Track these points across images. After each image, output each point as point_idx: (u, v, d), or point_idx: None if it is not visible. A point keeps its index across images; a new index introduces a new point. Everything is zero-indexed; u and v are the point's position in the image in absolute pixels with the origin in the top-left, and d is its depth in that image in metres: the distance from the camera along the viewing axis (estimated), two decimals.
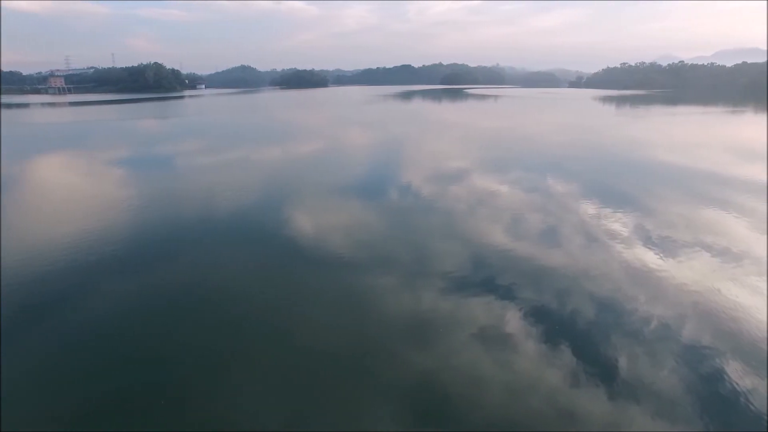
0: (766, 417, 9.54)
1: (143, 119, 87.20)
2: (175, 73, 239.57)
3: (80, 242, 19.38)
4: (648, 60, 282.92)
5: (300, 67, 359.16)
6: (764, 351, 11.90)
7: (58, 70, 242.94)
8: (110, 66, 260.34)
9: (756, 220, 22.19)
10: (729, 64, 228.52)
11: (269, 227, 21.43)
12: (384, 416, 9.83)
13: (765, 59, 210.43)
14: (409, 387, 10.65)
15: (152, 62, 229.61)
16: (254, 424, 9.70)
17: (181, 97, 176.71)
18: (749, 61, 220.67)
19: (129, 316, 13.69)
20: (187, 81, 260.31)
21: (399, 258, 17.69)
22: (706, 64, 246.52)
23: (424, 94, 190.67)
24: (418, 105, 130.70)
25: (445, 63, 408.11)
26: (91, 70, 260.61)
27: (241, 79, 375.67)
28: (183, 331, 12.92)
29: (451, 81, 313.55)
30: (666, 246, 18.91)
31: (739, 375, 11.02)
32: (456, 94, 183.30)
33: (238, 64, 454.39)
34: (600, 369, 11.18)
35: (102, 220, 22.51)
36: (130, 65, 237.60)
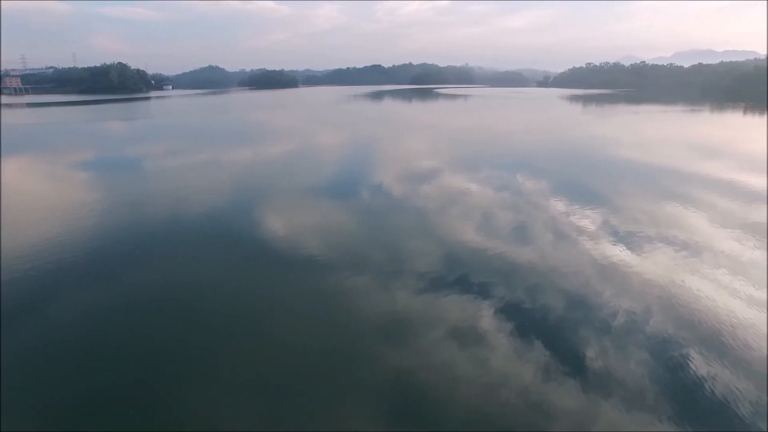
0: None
1: (108, 121, 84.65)
2: (140, 74, 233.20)
3: (44, 249, 18.68)
4: (612, 60, 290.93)
5: (269, 68, 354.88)
6: (722, 338, 12.39)
7: (13, 69, 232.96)
8: (71, 66, 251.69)
9: (714, 214, 23.09)
10: (686, 64, 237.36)
11: (241, 230, 21.13)
12: (361, 416, 9.84)
13: (718, 61, 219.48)
14: (385, 386, 10.68)
15: (116, 62, 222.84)
16: (231, 424, 9.60)
17: (147, 98, 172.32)
18: (704, 62, 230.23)
19: (98, 323, 13.29)
20: (153, 82, 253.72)
21: (373, 258, 17.71)
22: (665, 64, 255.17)
23: (395, 94, 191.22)
24: (388, 105, 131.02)
25: (415, 63, 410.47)
26: (51, 70, 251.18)
27: (209, 80, 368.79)
28: (156, 336, 12.62)
29: (421, 81, 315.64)
30: (631, 241, 19.49)
31: (700, 362, 11.45)
32: (426, 94, 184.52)
33: (205, 65, 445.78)
34: (571, 363, 11.43)
35: (67, 226, 21.77)
36: (93, 65, 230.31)
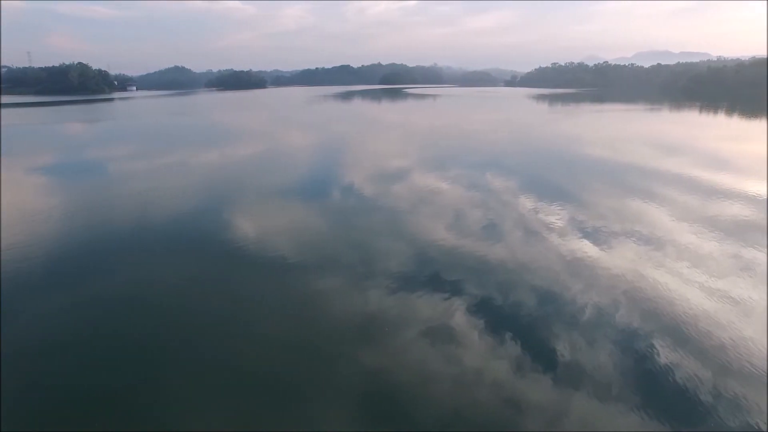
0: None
1: (69, 123, 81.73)
2: (102, 74, 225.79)
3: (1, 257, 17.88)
4: (576, 60, 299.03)
5: (237, 68, 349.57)
6: (684, 328, 12.86)
7: None
8: (26, 66, 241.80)
9: (675, 209, 23.95)
10: (646, 64, 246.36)
11: (209, 233, 20.73)
12: (336, 415, 9.80)
13: (675, 62, 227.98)
14: (359, 387, 10.67)
15: (76, 62, 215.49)
16: (206, 424, 9.49)
17: (110, 99, 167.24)
18: (662, 63, 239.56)
19: (58, 334, 12.80)
20: (116, 82, 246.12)
21: (343, 259, 17.65)
22: (627, 64, 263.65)
23: (364, 94, 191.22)
24: (358, 105, 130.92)
25: (383, 63, 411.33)
26: (4, 69, 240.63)
27: (175, 81, 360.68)
28: (128, 339, 12.27)
29: (390, 81, 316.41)
30: (598, 236, 20.03)
31: (665, 352, 11.85)
32: (395, 94, 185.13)
33: (171, 65, 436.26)
34: (542, 357, 11.66)
35: (25, 232, 20.91)
36: (51, 65, 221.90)
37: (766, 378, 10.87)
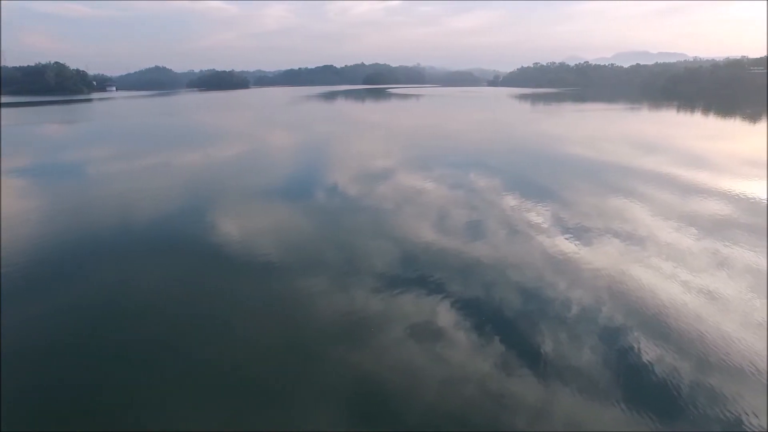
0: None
1: (47, 124, 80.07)
2: (80, 74, 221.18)
3: None
4: (558, 60, 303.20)
5: (219, 68, 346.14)
6: (665, 322, 13.12)
7: None
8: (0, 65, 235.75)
9: (655, 207, 24.40)
10: (626, 65, 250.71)
11: (192, 235, 20.51)
12: (322, 417, 9.78)
13: (653, 62, 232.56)
14: (345, 387, 10.67)
15: (53, 62, 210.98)
16: (191, 425, 9.43)
17: (89, 100, 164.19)
18: (641, 63, 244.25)
19: (42, 339, 12.56)
20: (95, 83, 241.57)
21: (328, 259, 17.62)
22: (607, 65, 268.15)
23: (348, 94, 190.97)
24: (341, 105, 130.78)
25: (367, 63, 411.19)
26: None
27: (156, 81, 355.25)
28: (106, 348, 12.07)
29: (373, 81, 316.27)
30: (581, 234, 20.31)
31: (648, 347, 12.07)
32: (379, 94, 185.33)
33: (151, 65, 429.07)
34: (527, 354, 11.78)
35: (3, 236, 20.41)
36: (26, 65, 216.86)
37: (743, 370, 11.16)
